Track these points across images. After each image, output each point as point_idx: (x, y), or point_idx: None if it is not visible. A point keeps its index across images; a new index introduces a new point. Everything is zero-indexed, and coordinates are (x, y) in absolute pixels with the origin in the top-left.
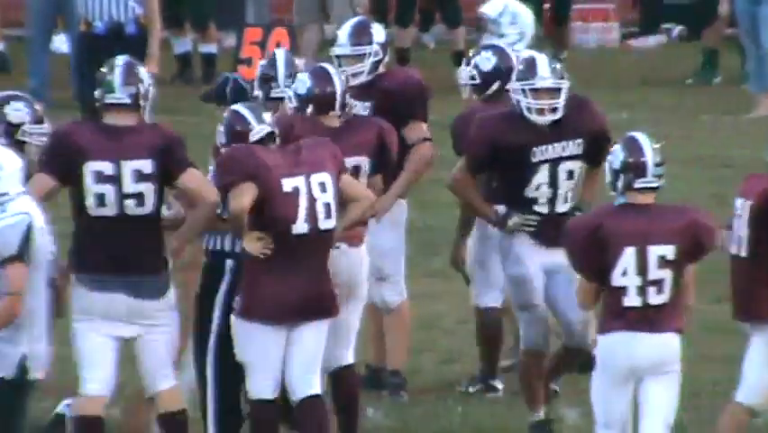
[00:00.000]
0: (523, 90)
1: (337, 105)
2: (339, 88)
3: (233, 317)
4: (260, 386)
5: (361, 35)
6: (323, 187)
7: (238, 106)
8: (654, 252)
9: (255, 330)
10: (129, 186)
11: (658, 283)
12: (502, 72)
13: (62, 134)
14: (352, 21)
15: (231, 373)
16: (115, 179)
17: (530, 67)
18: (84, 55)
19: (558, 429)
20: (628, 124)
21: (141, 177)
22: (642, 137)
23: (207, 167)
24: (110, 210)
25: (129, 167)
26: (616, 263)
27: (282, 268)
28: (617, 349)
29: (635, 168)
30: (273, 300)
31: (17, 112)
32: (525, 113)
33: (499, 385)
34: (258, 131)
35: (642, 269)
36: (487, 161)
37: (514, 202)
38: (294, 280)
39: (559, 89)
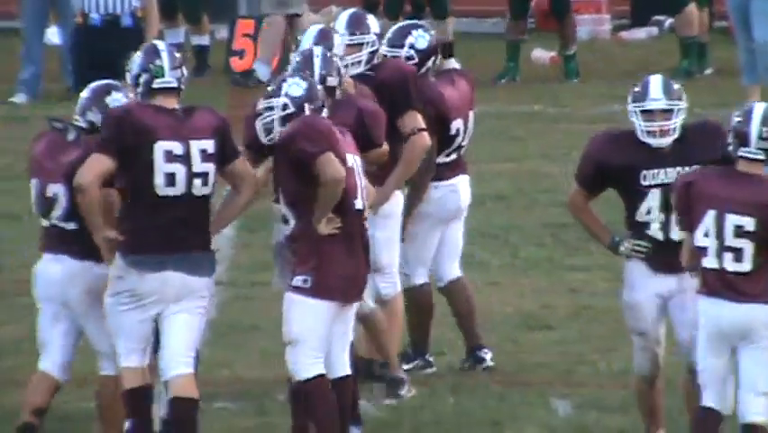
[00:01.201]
0: (635, 112)
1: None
2: (317, 70)
3: (292, 295)
4: (310, 363)
5: (358, 25)
6: (360, 169)
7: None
8: (731, 220)
9: (319, 307)
10: (197, 165)
11: (735, 251)
12: (434, 49)
13: (125, 114)
14: (349, 11)
15: None
16: (185, 159)
17: (644, 88)
18: (80, 47)
19: (548, 421)
20: (623, 115)
21: (206, 156)
22: (759, 107)
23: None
24: (178, 190)
25: (196, 146)
26: (699, 223)
27: (347, 245)
28: (707, 313)
29: (740, 135)
30: (342, 279)
31: (118, 102)
32: (639, 135)
33: (432, 359)
34: (320, 104)
35: (719, 234)
36: (593, 180)
37: (627, 225)
38: (357, 257)
39: (671, 110)
